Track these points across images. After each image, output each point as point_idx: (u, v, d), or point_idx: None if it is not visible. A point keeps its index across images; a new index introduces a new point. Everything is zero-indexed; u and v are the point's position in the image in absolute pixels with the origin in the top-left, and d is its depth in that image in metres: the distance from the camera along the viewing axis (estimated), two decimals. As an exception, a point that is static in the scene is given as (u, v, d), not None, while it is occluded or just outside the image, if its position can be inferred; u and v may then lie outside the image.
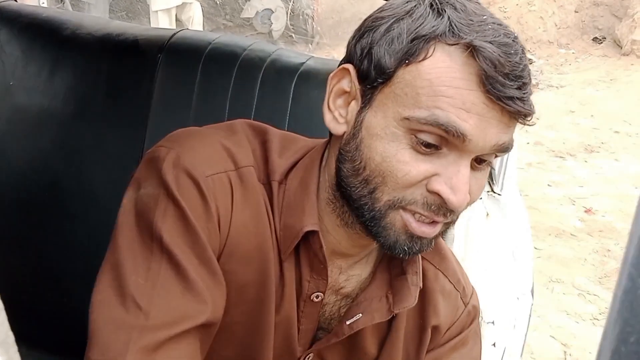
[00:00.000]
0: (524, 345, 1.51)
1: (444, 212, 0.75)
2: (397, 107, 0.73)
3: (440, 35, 0.71)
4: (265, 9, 7.79)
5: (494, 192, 1.45)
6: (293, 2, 8.18)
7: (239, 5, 8.04)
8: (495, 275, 1.45)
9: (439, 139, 0.72)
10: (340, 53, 7.70)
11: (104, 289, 0.73)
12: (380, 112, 0.75)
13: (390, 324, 0.93)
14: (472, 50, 0.70)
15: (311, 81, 1.34)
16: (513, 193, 1.57)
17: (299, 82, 1.34)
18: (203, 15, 6.39)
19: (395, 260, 0.90)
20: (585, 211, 4.43)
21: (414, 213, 0.75)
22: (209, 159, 0.80)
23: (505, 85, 0.69)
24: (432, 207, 0.74)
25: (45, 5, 5.32)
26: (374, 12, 0.79)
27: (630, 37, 8.28)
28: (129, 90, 1.47)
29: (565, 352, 2.93)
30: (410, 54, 0.72)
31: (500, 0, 9.04)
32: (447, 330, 0.96)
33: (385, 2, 0.81)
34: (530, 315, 1.51)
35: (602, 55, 8.61)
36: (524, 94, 0.71)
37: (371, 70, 0.75)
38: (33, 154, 1.54)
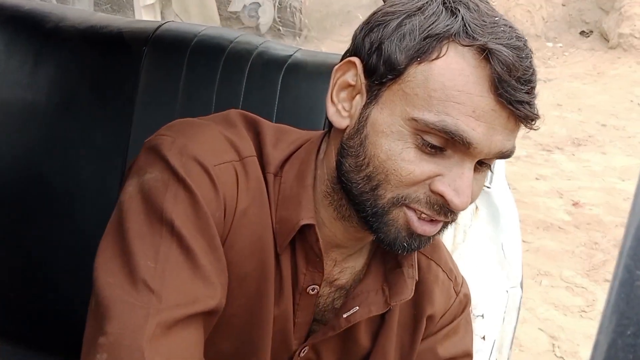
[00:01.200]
0: (513, 338, 1.51)
1: (445, 211, 0.76)
2: (405, 106, 0.73)
3: (454, 35, 0.72)
4: (253, 2, 7.74)
5: (484, 186, 1.44)
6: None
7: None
8: (484, 269, 1.44)
9: (444, 142, 0.72)
10: (328, 46, 7.69)
11: (115, 272, 0.73)
12: (387, 109, 0.75)
13: (383, 316, 0.93)
14: (487, 53, 0.70)
15: (299, 74, 1.33)
16: (502, 186, 1.56)
17: (287, 74, 1.33)
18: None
19: (390, 252, 0.90)
20: (573, 204, 4.45)
21: (416, 211, 0.76)
22: (214, 148, 0.80)
23: (517, 89, 0.70)
24: (435, 206, 0.75)
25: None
26: (383, 6, 0.78)
27: (617, 30, 8.32)
28: (114, 84, 1.45)
29: (553, 344, 2.94)
30: (422, 52, 0.72)
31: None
32: (440, 318, 0.97)
33: None
34: (519, 308, 1.51)
35: (589, 48, 8.64)
36: (532, 98, 0.72)
37: (380, 65, 0.75)
38: (17, 149, 1.52)
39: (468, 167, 0.74)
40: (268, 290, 0.84)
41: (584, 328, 3.08)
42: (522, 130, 0.78)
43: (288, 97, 1.31)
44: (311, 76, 1.31)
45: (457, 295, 0.99)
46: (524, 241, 3.73)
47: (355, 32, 0.80)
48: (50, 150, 1.49)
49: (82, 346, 0.72)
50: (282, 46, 1.41)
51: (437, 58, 0.71)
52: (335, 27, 8.47)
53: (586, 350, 2.91)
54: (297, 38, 8.24)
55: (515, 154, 0.80)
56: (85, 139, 1.45)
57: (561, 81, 7.63)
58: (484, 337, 1.41)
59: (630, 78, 7.50)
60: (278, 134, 0.88)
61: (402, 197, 0.75)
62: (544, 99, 6.84)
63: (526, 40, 0.74)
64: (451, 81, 0.70)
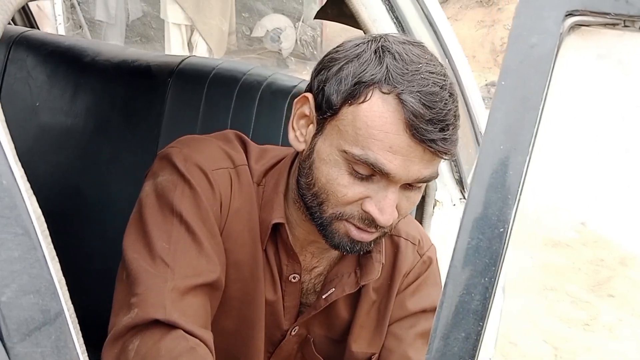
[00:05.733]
0: (497, 337, 1.67)
1: (375, 226, 0.92)
2: (339, 139, 0.89)
3: (377, 83, 0.85)
4: (275, 28, 7.98)
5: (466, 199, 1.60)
6: (302, 21, 8.39)
7: (248, 27, 8.26)
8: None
9: (370, 170, 0.88)
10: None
11: (139, 250, 0.92)
12: (328, 140, 0.91)
13: (359, 292, 1.10)
14: (400, 101, 0.84)
15: (303, 101, 1.51)
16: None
17: (292, 102, 1.51)
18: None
19: None
20: (581, 223, 4.56)
21: (353, 224, 0.92)
22: (212, 157, 1.00)
23: (428, 130, 0.83)
24: (366, 221, 0.91)
25: (62, 28, 5.50)
26: (332, 50, 0.94)
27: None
28: (142, 111, 1.64)
29: (555, 355, 3.06)
30: (352, 96, 0.87)
31: (505, 18, 9.23)
32: (405, 276, 1.13)
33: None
34: (501, 310, 1.67)
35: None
36: (445, 134, 0.85)
37: (323, 103, 0.90)
38: (57, 167, 1.72)
39: (392, 190, 0.88)
40: (259, 277, 1.03)
41: (587, 340, 3.19)
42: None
43: (293, 122, 1.49)
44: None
45: (420, 257, 1.14)
46: (531, 257, 3.87)
47: (312, 71, 0.96)
48: (85, 168, 1.69)
49: (112, 309, 0.91)
50: (288, 77, 1.60)
51: (363, 101, 0.86)
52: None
53: (588, 362, 3.03)
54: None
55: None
56: (116, 159, 1.64)
57: (577, 103, 7.71)
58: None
59: None
60: (261, 152, 1.07)
61: (339, 214, 0.92)
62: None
63: (445, 84, 0.86)
64: (373, 121, 0.85)
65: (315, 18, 1.63)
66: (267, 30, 8.00)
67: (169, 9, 5.82)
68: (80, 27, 5.89)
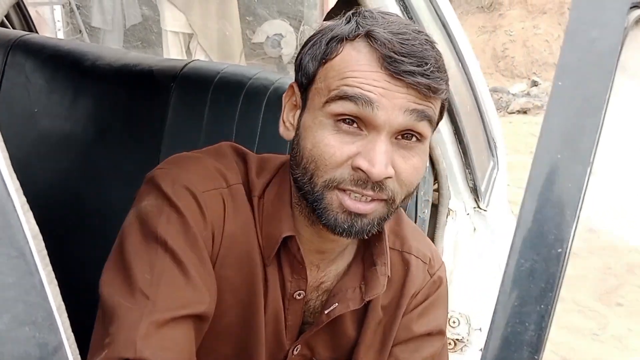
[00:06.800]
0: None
1: (371, 186, 0.84)
2: (319, 98, 0.86)
3: (347, 35, 0.85)
4: (276, 34, 7.96)
5: (480, 208, 1.56)
6: (303, 25, 8.36)
7: (252, 30, 8.23)
8: (482, 285, 1.55)
9: (356, 126, 0.84)
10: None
11: (117, 285, 0.84)
12: (311, 108, 0.88)
13: (366, 309, 1.04)
14: (370, 38, 0.83)
15: (311, 107, 1.46)
16: (501, 209, 1.67)
17: (300, 107, 1.46)
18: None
19: (367, 253, 1.01)
20: (588, 230, 4.51)
21: (346, 191, 0.85)
22: (203, 177, 0.93)
23: (403, 62, 0.81)
24: (359, 182, 0.84)
25: (61, 33, 5.46)
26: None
27: (635, 58, 8.38)
28: (144, 116, 1.59)
29: (564, 366, 3.01)
30: (325, 55, 0.87)
31: (507, 24, 9.21)
32: (414, 297, 1.07)
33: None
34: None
35: (607, 76, 8.70)
36: (425, 69, 0.82)
37: (302, 78, 0.89)
38: (56, 174, 1.67)
39: (380, 140, 0.83)
40: (257, 299, 0.96)
41: (596, 350, 3.14)
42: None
43: (301, 128, 1.44)
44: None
45: (431, 276, 1.08)
46: (537, 266, 3.81)
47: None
48: (85, 176, 1.64)
49: (89, 350, 0.82)
50: (296, 82, 1.55)
51: (336, 56, 0.86)
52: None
53: (597, 373, 2.97)
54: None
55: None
56: (117, 166, 1.59)
57: (580, 109, 7.69)
58: (481, 349, 1.51)
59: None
60: (260, 163, 1.00)
61: (330, 180, 0.85)
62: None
63: (420, 32, 0.85)
64: (346, 67, 0.84)
65: (324, 20, 1.58)
66: (268, 36, 7.97)
67: (167, 16, 5.77)
68: (80, 32, 5.85)
